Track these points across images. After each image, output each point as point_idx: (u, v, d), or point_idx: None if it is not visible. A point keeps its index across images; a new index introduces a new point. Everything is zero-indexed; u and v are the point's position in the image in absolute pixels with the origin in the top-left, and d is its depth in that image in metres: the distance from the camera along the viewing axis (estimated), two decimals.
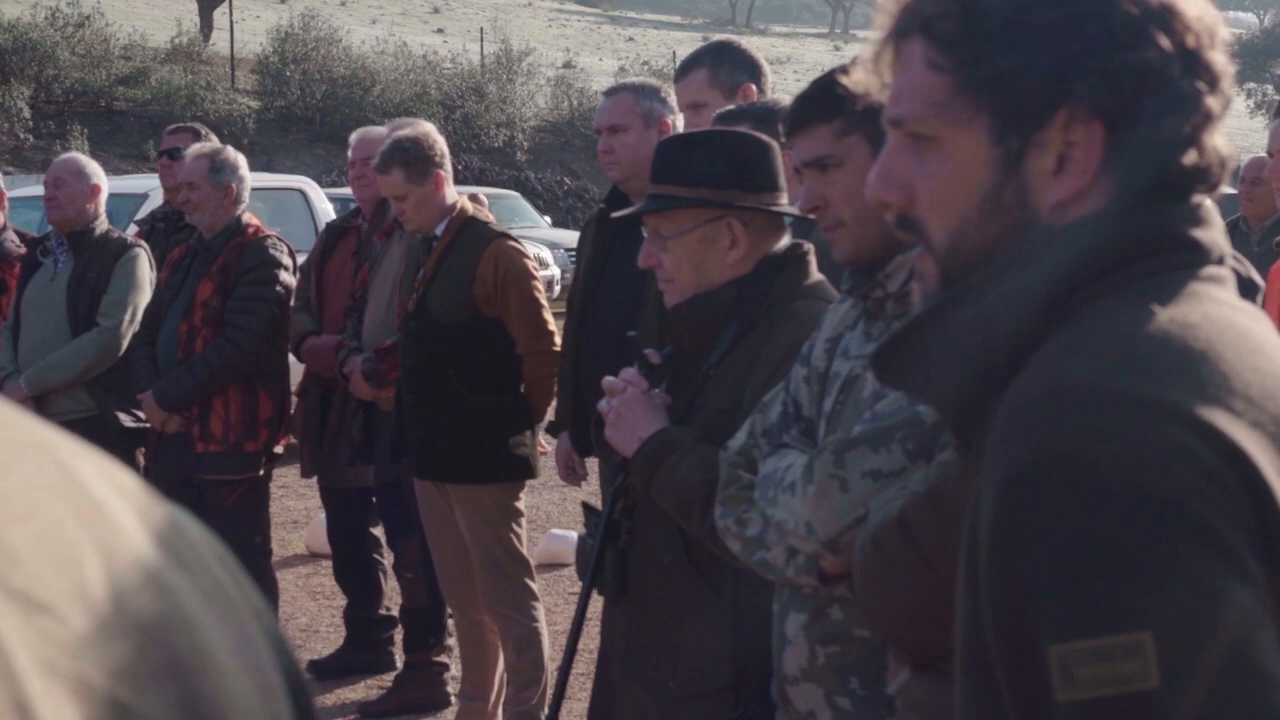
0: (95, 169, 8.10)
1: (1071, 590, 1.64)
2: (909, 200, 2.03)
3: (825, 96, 3.46)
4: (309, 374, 8.04)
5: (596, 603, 4.35)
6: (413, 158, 6.83)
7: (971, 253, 1.95)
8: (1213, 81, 1.91)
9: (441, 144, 7.01)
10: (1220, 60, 1.93)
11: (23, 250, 8.36)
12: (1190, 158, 1.90)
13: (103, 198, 8.04)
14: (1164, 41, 1.88)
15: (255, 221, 7.77)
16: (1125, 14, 1.88)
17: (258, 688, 0.86)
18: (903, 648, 3.00)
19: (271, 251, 7.60)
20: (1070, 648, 1.62)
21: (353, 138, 8.33)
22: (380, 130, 8.27)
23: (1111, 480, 1.65)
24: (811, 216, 3.70)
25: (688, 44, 63.80)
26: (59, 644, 0.76)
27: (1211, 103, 1.91)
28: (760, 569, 3.44)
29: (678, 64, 6.83)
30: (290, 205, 15.46)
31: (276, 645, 0.91)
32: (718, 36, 8.00)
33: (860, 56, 2.10)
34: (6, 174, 28.88)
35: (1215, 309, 1.83)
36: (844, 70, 3.50)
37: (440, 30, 69.57)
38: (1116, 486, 1.65)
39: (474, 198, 7.41)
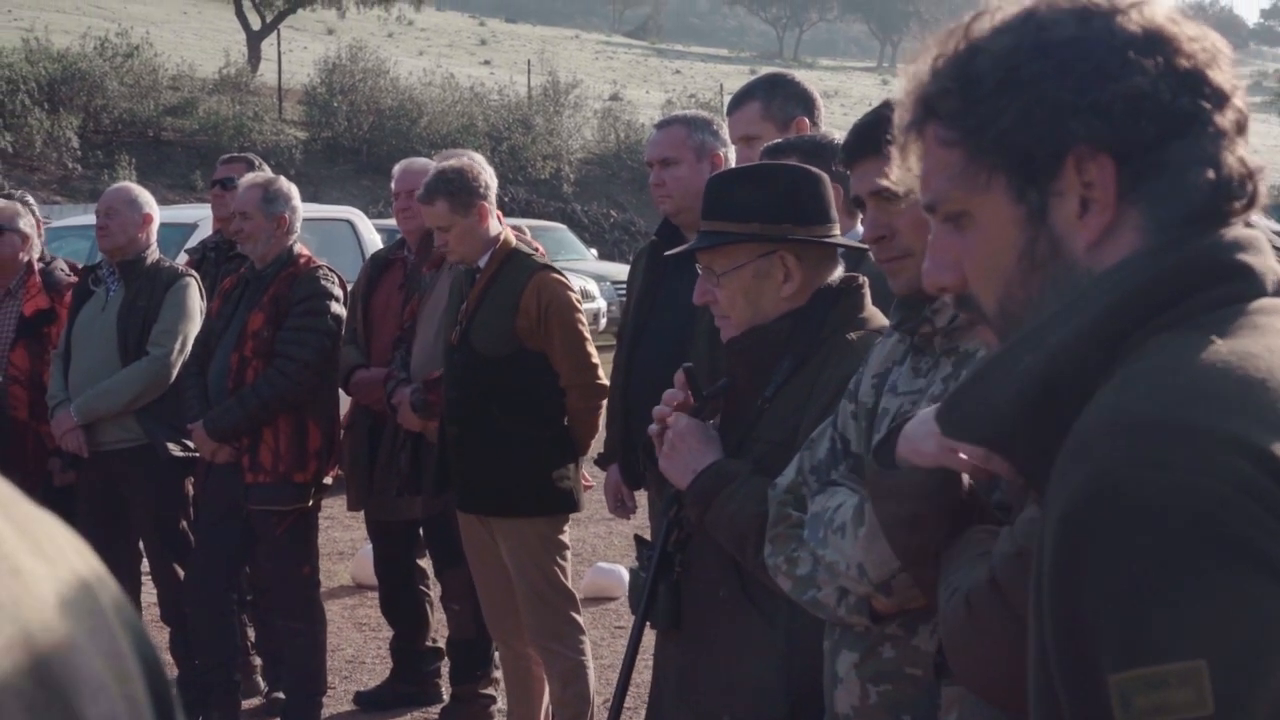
0: (147, 198, 8.12)
1: (1128, 619, 1.64)
2: (963, 281, 2.08)
3: (885, 126, 3.45)
4: (357, 406, 8.05)
5: (648, 635, 4.33)
6: (457, 189, 6.83)
7: (1020, 311, 1.99)
8: (1219, 99, 1.94)
9: (487, 175, 7.01)
10: (1225, 77, 1.95)
11: (73, 279, 8.39)
12: (1208, 175, 1.91)
13: (154, 227, 8.06)
14: (1150, 65, 1.91)
15: (306, 252, 7.78)
16: (1107, 47, 1.93)
17: (112, 671, 0.89)
18: (1003, 707, 2.97)
19: (323, 283, 7.61)
20: (1127, 676, 1.63)
21: (396, 169, 8.34)
22: (425, 161, 8.29)
23: (1168, 509, 1.65)
24: (864, 247, 3.69)
25: (735, 77, 63.95)
26: None
27: (1221, 120, 1.93)
28: (811, 608, 3.42)
29: (726, 96, 6.84)
30: (339, 236, 15.50)
31: (135, 633, 0.94)
32: (766, 70, 7.99)
33: (891, 157, 2.15)
34: (55, 204, 29.04)
35: (1276, 340, 1.82)
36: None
37: (487, 62, 69.82)
38: (1173, 515, 1.65)
39: (515, 229, 7.41)
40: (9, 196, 9.19)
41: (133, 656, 0.90)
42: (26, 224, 8.54)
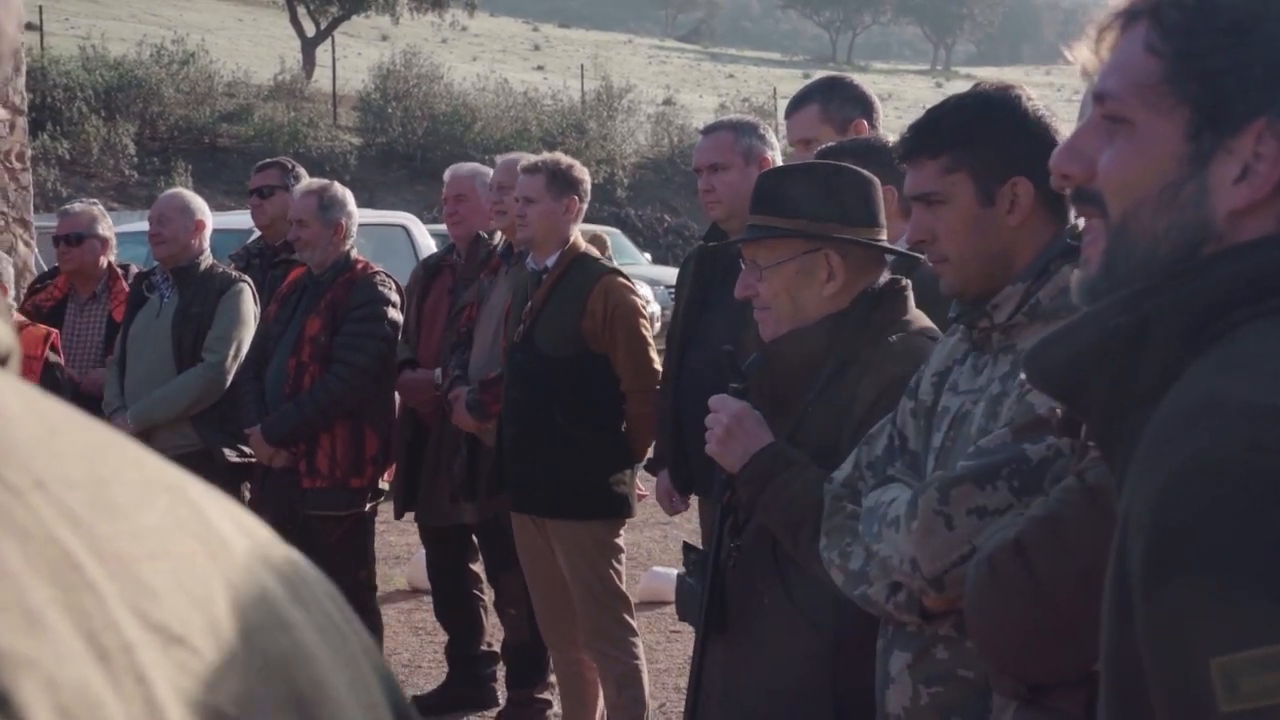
0: (200, 204, 8.16)
1: (1232, 601, 1.63)
2: (1089, 175, 2.05)
3: (933, 132, 3.47)
4: (401, 411, 8.08)
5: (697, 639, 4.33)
6: (563, 173, 6.90)
7: (1140, 237, 1.96)
8: None
9: (588, 185, 7.06)
10: None
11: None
12: None
13: (207, 233, 8.09)
14: None
15: (363, 258, 7.82)
16: None
17: (363, 707, 0.88)
18: (1009, 673, 2.99)
19: (379, 288, 7.65)
20: (1233, 659, 1.61)
21: (447, 174, 8.36)
22: (474, 165, 8.34)
23: (1268, 490, 1.65)
24: (905, 251, 3.70)
25: (788, 81, 63.81)
26: (194, 675, 0.78)
27: None
28: (862, 603, 3.44)
29: (779, 100, 6.86)
30: (393, 242, 15.55)
31: (386, 682, 0.92)
32: (820, 73, 7.99)
33: (1085, 31, 2.11)
34: (112, 210, 29.07)
35: None
36: (956, 104, 3.51)
37: (540, 67, 69.84)
38: (1273, 496, 1.64)
39: (597, 237, 7.42)
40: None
41: (386, 705, 0.91)
42: (105, 228, 8.63)
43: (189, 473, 0.90)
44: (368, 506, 7.66)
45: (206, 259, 8.07)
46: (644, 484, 7.26)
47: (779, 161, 6.21)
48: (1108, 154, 2.01)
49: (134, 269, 8.93)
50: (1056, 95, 60.83)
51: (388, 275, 7.83)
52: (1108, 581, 1.83)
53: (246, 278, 8.17)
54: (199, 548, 0.84)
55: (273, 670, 0.82)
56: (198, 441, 7.83)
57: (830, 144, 5.34)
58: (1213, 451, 1.69)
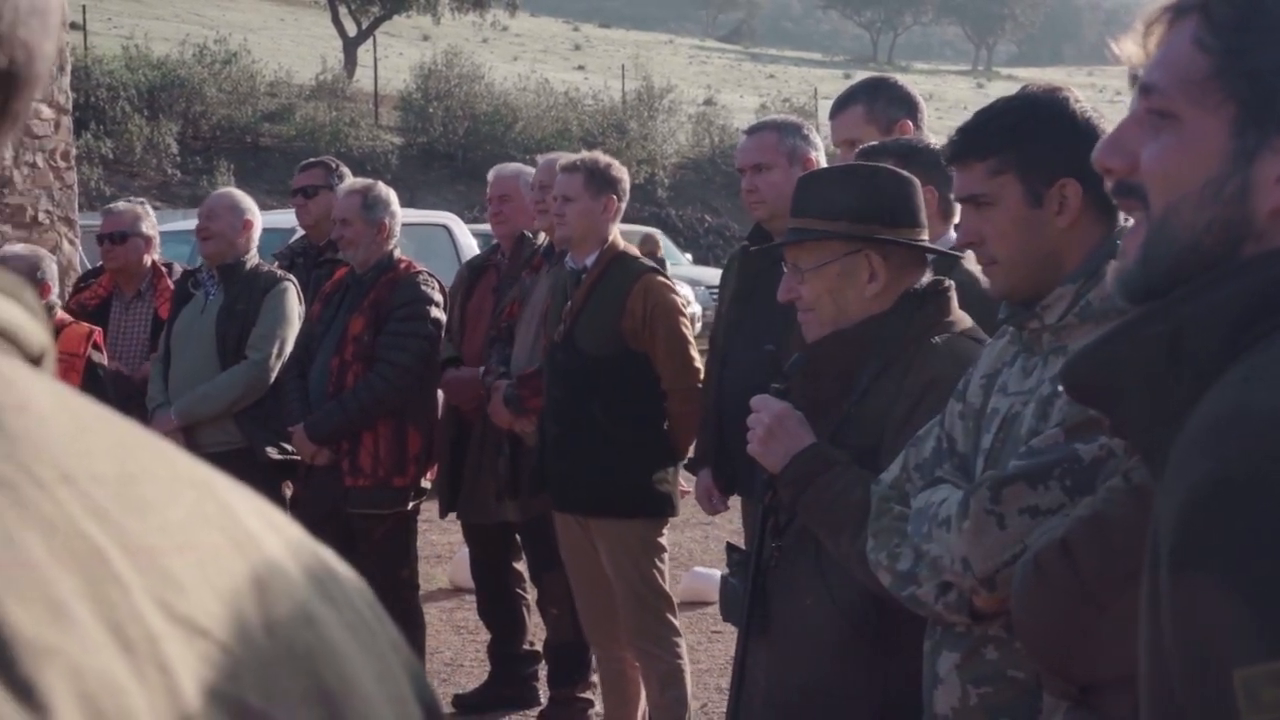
0: (249, 204, 8.19)
1: (1255, 612, 1.62)
2: (1130, 169, 2.04)
3: (980, 134, 3.47)
4: (445, 409, 8.10)
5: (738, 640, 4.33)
6: (600, 172, 6.91)
7: (1180, 232, 1.95)
8: None
9: (626, 184, 7.07)
10: None
11: None
12: None
13: (255, 233, 8.12)
14: None
15: (406, 258, 7.85)
16: None
17: (399, 718, 0.89)
18: (1052, 671, 2.99)
19: (423, 288, 7.68)
20: (1254, 671, 1.60)
21: (491, 175, 8.39)
22: (518, 166, 8.37)
23: None
24: (947, 251, 3.69)
25: (829, 81, 63.81)
26: (218, 667, 0.79)
27: None
28: (910, 604, 3.44)
29: (820, 101, 6.86)
30: (435, 241, 15.56)
31: (415, 679, 0.93)
32: (861, 74, 7.99)
33: (1133, 25, 2.10)
34: (155, 209, 29.18)
35: None
36: (1004, 106, 3.51)
37: (581, 67, 69.88)
38: None
39: (649, 236, 7.43)
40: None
41: (414, 701, 0.92)
42: (149, 227, 8.67)
43: (224, 471, 0.91)
44: (410, 505, 7.67)
45: (253, 258, 8.10)
46: (685, 483, 7.26)
47: (822, 162, 6.21)
48: (1152, 148, 2.00)
49: (177, 267, 8.98)
50: (1099, 96, 60.64)
51: (431, 275, 7.85)
52: (1143, 588, 1.83)
53: (291, 277, 8.19)
54: (225, 543, 0.85)
55: (298, 663, 0.83)
56: (240, 438, 7.86)
57: (873, 144, 5.32)
58: (1237, 462, 1.68)
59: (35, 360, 0.87)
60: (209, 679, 0.78)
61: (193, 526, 0.84)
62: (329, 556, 0.93)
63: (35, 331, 0.88)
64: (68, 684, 0.72)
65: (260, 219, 8.26)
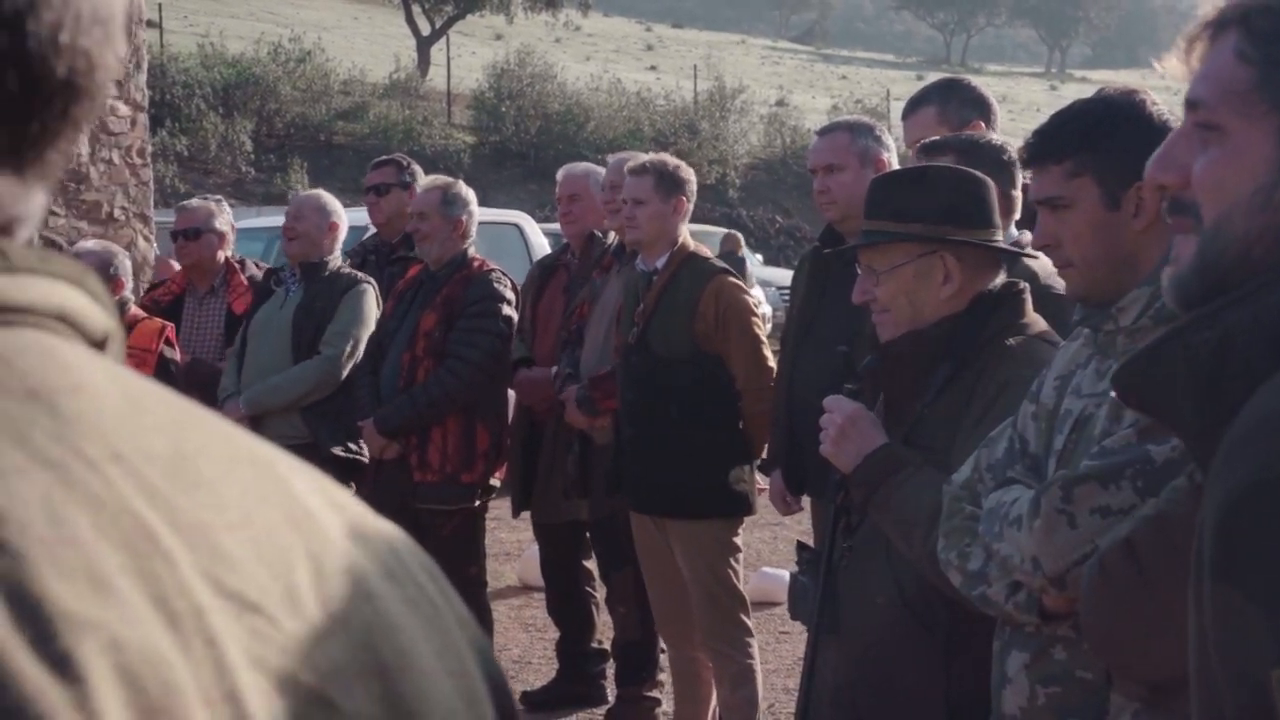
0: (336, 207, 8.24)
1: None
2: (1184, 182, 2.06)
3: (1057, 136, 3.46)
4: (516, 410, 8.12)
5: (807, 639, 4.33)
6: (669, 174, 6.93)
7: (1232, 240, 1.96)
8: None
9: (694, 185, 7.09)
10: None
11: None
12: None
13: (340, 235, 8.18)
14: None
15: (480, 256, 7.88)
16: None
17: (461, 692, 0.90)
18: (1121, 671, 2.98)
19: (495, 285, 7.71)
20: None
21: (560, 174, 8.40)
22: (588, 165, 8.38)
23: None
24: (1020, 251, 3.68)
25: (901, 82, 63.61)
26: (268, 641, 0.80)
27: None
28: (980, 604, 3.44)
29: (893, 102, 6.84)
30: (506, 240, 15.58)
31: (482, 654, 0.94)
32: (934, 75, 7.97)
33: (1175, 43, 2.12)
34: (230, 205, 29.33)
35: None
36: (1081, 109, 3.50)
37: (653, 67, 69.91)
38: None
39: (731, 235, 7.45)
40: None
41: (479, 676, 0.92)
42: (223, 223, 8.73)
43: (286, 452, 0.93)
44: (477, 502, 7.69)
45: (335, 260, 8.16)
46: (761, 481, 7.26)
47: (894, 163, 6.19)
48: (1201, 161, 2.02)
49: (250, 264, 9.04)
50: (1175, 99, 60.16)
51: (504, 273, 7.88)
52: (1190, 588, 1.84)
53: (371, 280, 8.23)
54: (282, 519, 0.86)
55: (353, 638, 0.84)
56: (306, 433, 7.89)
57: (934, 139, 5.29)
58: (1272, 466, 1.69)
59: (99, 345, 0.89)
60: (258, 653, 0.80)
61: (248, 503, 0.85)
62: (394, 534, 0.95)
63: (97, 316, 0.89)
64: (106, 657, 0.74)
65: (346, 222, 8.31)
